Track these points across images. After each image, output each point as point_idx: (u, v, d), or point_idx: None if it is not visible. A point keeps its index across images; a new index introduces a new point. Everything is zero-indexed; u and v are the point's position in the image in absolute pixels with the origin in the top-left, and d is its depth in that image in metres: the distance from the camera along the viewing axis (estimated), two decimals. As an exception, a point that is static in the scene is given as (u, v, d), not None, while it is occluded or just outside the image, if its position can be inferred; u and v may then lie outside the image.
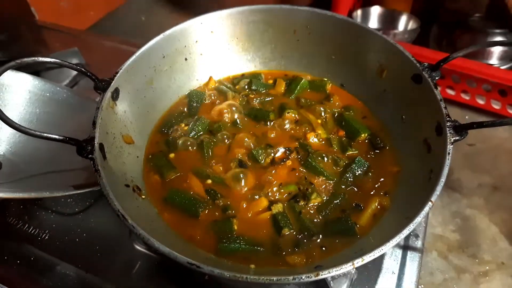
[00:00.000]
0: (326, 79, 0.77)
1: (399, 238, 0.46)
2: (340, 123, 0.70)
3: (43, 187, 0.60)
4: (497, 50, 1.23)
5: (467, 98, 1.25)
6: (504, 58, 1.23)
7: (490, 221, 1.07)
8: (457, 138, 0.54)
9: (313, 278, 0.43)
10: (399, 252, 0.67)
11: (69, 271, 0.65)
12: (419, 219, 0.47)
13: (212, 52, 0.77)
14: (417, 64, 0.62)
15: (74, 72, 1.01)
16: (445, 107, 0.57)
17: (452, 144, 0.53)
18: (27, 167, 0.74)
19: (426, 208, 0.48)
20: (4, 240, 0.70)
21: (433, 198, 0.49)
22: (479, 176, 1.18)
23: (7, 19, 1.16)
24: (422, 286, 0.96)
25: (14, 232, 0.71)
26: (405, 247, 0.68)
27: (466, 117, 1.33)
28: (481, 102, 1.23)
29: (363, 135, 0.67)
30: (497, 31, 1.21)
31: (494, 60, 1.23)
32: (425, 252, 1.01)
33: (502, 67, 1.18)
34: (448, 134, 0.54)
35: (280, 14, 0.74)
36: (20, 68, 0.85)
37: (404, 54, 0.64)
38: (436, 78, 0.61)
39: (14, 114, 0.79)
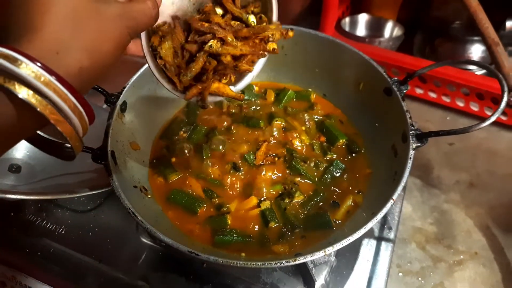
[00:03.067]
0: (310, 90, 0.86)
1: (365, 230, 0.55)
2: (322, 129, 0.79)
3: (60, 189, 0.70)
4: (475, 56, 1.32)
5: (448, 100, 1.34)
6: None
7: (466, 215, 1.16)
8: (418, 144, 0.63)
9: (292, 263, 0.52)
10: (373, 243, 0.76)
11: (84, 261, 0.73)
12: (382, 214, 0.56)
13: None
14: (388, 79, 0.71)
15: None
16: (410, 117, 0.66)
17: (414, 150, 0.62)
18: (43, 170, 0.83)
19: (388, 205, 0.57)
20: (25, 235, 0.78)
21: (395, 197, 0.58)
22: (457, 173, 1.27)
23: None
24: (401, 274, 1.05)
25: (34, 227, 0.79)
26: (379, 238, 0.77)
27: (448, 118, 1.42)
28: (461, 104, 1.32)
29: (341, 140, 0.76)
30: (476, 38, 1.30)
31: (472, 66, 1.31)
32: (404, 243, 1.10)
33: (479, 73, 1.27)
34: (411, 141, 0.63)
35: (269, 32, 0.83)
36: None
37: (377, 70, 0.73)
38: (404, 91, 0.70)
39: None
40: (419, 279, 1.04)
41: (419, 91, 1.36)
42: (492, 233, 1.11)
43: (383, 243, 0.76)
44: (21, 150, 0.85)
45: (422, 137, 0.63)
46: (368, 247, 0.75)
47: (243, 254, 0.61)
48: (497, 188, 1.21)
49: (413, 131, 0.64)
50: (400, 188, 0.58)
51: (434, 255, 1.07)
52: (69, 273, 0.73)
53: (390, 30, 1.47)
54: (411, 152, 0.62)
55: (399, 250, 1.10)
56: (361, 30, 1.51)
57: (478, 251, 1.08)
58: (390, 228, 0.78)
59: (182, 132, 0.80)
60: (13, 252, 0.76)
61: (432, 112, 1.45)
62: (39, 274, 0.74)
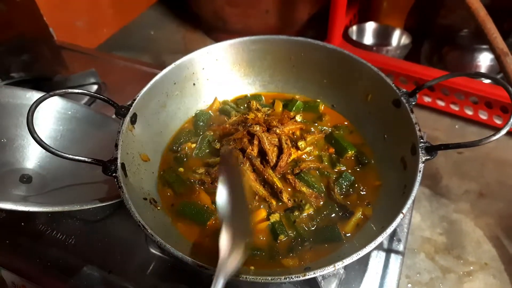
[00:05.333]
0: (318, 101, 0.86)
1: (374, 244, 0.55)
2: (330, 141, 0.79)
3: (71, 200, 0.70)
4: (484, 64, 1.31)
5: (456, 109, 1.33)
6: (490, 72, 1.31)
7: (475, 225, 1.16)
8: (428, 157, 0.62)
9: (301, 278, 0.52)
10: (382, 255, 0.75)
11: (94, 272, 0.74)
12: (391, 228, 0.56)
13: (217, 77, 0.86)
14: (397, 90, 0.70)
15: (92, 91, 1.11)
16: (419, 130, 0.65)
17: (423, 163, 0.62)
18: (54, 180, 0.83)
19: (398, 219, 0.56)
20: (35, 245, 0.79)
21: (404, 211, 0.57)
22: (466, 182, 1.26)
23: (28, 40, 1.26)
24: (410, 285, 1.04)
25: (44, 237, 0.80)
26: (388, 250, 0.76)
27: (456, 126, 1.41)
28: (469, 113, 1.32)
29: (350, 152, 0.76)
30: (484, 47, 1.30)
31: (480, 74, 1.31)
32: (413, 253, 1.10)
33: (488, 81, 1.26)
34: (421, 154, 0.62)
35: (278, 44, 0.83)
36: (41, 87, 0.95)
37: (385, 81, 0.73)
38: (413, 103, 0.69)
39: (42, 132, 0.88)
40: (429, 290, 1.03)
41: (427, 99, 1.36)
42: (502, 243, 1.10)
43: (392, 255, 0.76)
44: (32, 160, 0.86)
45: (432, 150, 0.62)
46: (377, 260, 0.74)
47: (252, 268, 0.61)
48: (507, 198, 1.20)
49: (423, 144, 0.63)
50: (409, 202, 0.58)
51: (443, 265, 1.06)
52: (78, 283, 0.73)
53: (398, 38, 1.47)
54: (421, 166, 0.61)
55: (408, 261, 1.09)
56: (368, 39, 1.51)
57: (488, 262, 1.07)
58: (399, 240, 0.78)
59: (190, 143, 0.80)
60: (24, 261, 0.77)
61: (440, 120, 1.45)
62: (49, 284, 0.74)
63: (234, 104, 0.88)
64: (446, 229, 1.18)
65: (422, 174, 0.61)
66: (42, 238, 0.80)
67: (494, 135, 0.59)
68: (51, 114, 0.92)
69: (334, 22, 1.38)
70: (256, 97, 0.89)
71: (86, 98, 1.09)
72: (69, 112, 0.94)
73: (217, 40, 0.84)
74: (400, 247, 0.77)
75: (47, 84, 1.11)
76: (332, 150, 0.78)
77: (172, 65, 0.78)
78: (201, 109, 0.87)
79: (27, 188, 0.80)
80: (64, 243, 0.79)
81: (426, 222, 1.18)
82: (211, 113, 0.86)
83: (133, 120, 0.71)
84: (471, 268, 1.09)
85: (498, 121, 1.28)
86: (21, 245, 0.79)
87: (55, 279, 0.74)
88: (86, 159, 0.62)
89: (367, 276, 0.72)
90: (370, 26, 1.51)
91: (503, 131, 0.59)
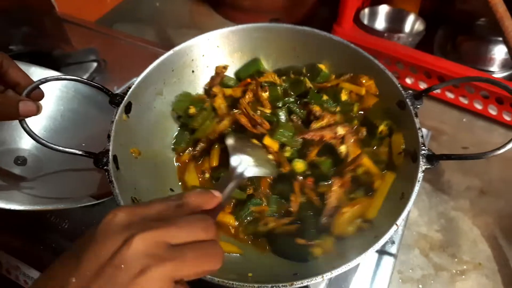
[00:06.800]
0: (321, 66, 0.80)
1: (365, 256, 0.54)
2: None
3: (65, 190, 0.70)
4: (498, 57, 1.26)
5: (465, 102, 1.29)
6: (505, 65, 1.26)
7: (473, 223, 1.14)
8: (428, 166, 0.60)
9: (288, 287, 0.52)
10: (375, 256, 0.75)
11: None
12: (385, 239, 0.54)
13: (217, 64, 0.83)
14: (402, 91, 0.67)
15: (92, 69, 1.08)
16: (422, 136, 0.63)
17: (423, 172, 0.60)
18: (49, 163, 0.83)
19: (392, 230, 0.55)
20: (30, 228, 0.80)
21: (398, 222, 0.56)
22: (468, 179, 1.23)
23: (29, 11, 1.22)
24: (401, 280, 1.04)
25: (38, 221, 0.80)
26: (381, 252, 0.76)
27: (464, 119, 1.37)
28: (478, 107, 1.27)
29: (381, 126, 0.71)
30: (500, 39, 1.23)
31: (495, 68, 1.26)
32: (408, 249, 1.09)
33: (502, 75, 1.21)
34: (421, 163, 0.60)
35: (281, 32, 0.79)
36: (44, 63, 0.92)
37: (391, 80, 0.69)
38: (418, 106, 0.66)
39: (42, 111, 0.87)
40: (420, 286, 1.03)
41: (436, 90, 1.31)
42: (499, 244, 1.09)
43: (384, 257, 0.75)
44: (28, 140, 0.85)
45: (433, 159, 0.60)
46: (368, 261, 0.74)
47: (250, 275, 0.60)
48: (508, 197, 1.17)
49: (424, 152, 0.61)
50: (405, 213, 0.56)
51: (436, 263, 1.06)
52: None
53: (411, 24, 1.41)
54: (420, 175, 0.59)
55: (402, 256, 1.09)
56: (380, 23, 1.44)
57: (482, 262, 1.06)
58: (392, 242, 0.77)
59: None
60: (18, 243, 0.78)
61: (448, 112, 1.40)
62: (42, 266, 0.75)
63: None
64: (443, 226, 1.16)
65: (420, 183, 0.59)
66: (37, 221, 0.81)
67: (499, 149, 0.57)
68: (52, 93, 0.89)
69: (345, 3, 1.32)
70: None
71: (86, 75, 1.08)
72: (71, 91, 0.92)
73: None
74: (393, 250, 0.77)
75: (46, 59, 1.08)
76: (363, 129, 0.73)
77: (171, 52, 0.75)
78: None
79: (22, 171, 0.80)
80: (58, 227, 0.79)
81: (423, 218, 1.17)
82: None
83: (128, 109, 0.69)
84: (465, 267, 1.09)
85: (508, 118, 1.24)
86: (16, 227, 0.80)
87: (48, 262, 0.75)
88: (76, 151, 0.61)
89: (357, 277, 0.73)
90: (383, 10, 1.44)
91: (509, 145, 0.57)
